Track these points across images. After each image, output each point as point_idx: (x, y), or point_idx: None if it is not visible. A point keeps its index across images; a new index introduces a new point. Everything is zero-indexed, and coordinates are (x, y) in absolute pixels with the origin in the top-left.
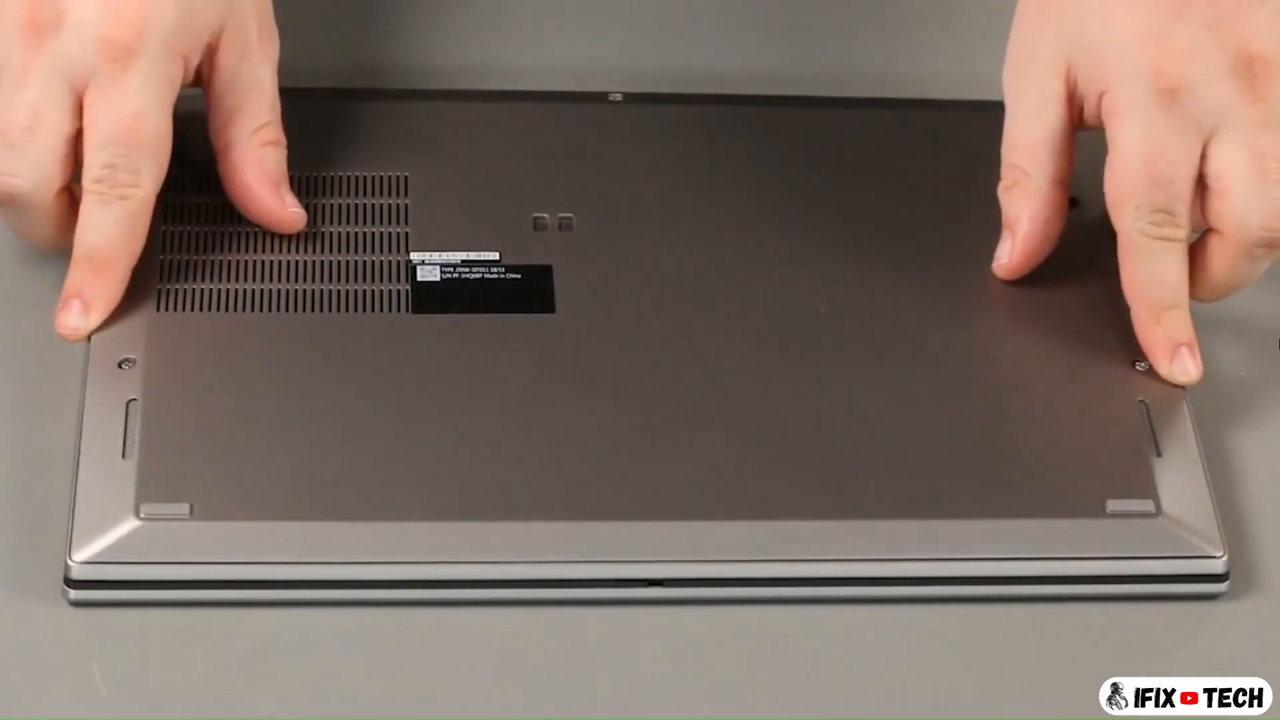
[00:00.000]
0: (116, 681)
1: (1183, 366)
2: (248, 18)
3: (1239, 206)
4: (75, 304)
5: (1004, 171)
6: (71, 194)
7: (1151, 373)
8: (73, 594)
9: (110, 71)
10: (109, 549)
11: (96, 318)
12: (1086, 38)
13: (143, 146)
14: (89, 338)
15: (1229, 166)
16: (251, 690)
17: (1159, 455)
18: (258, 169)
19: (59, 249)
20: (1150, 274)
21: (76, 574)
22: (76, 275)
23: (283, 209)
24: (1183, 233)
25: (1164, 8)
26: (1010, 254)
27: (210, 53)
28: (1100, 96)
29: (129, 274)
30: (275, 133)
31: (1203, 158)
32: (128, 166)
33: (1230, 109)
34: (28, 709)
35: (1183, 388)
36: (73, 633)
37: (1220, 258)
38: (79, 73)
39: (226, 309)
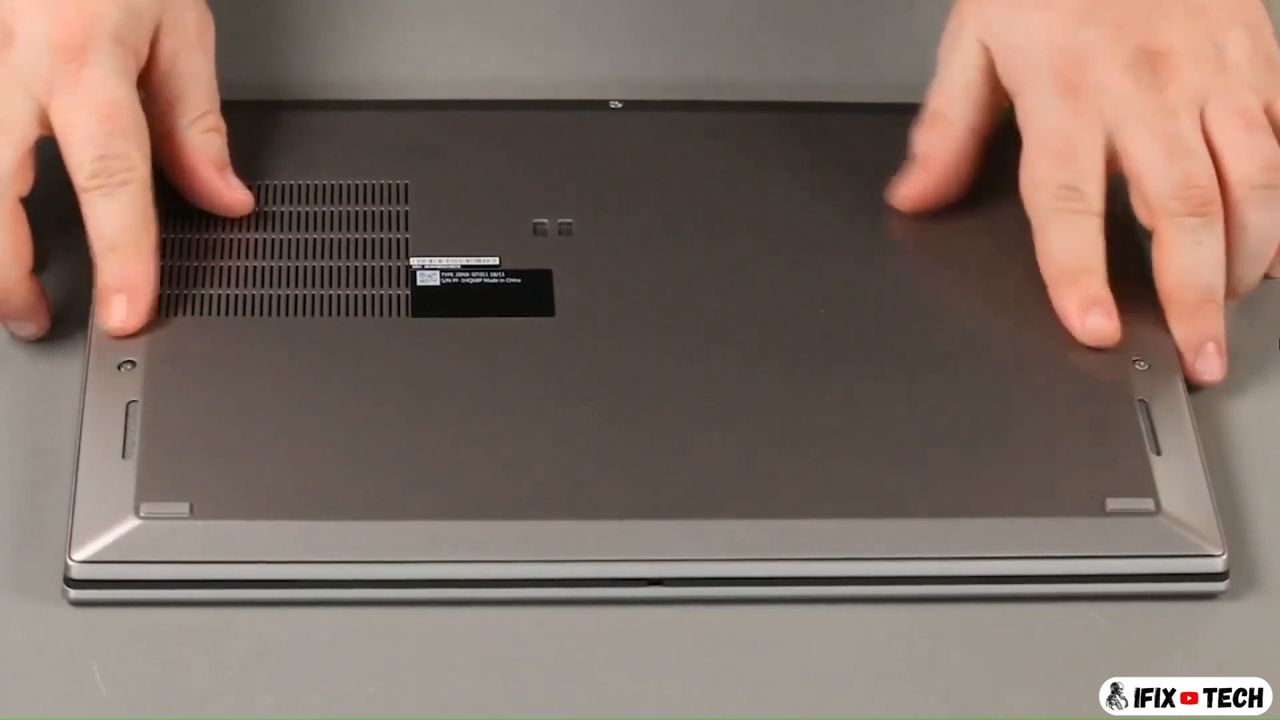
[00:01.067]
0: (116, 681)
1: (1098, 321)
2: (185, 7)
3: (1153, 184)
4: (116, 298)
5: (924, 115)
6: (25, 212)
7: (1152, 372)
8: (73, 593)
9: (70, 71)
10: (109, 548)
11: (144, 306)
12: (1007, 37)
13: (125, 130)
14: (90, 338)
15: (1138, 153)
16: (251, 690)
17: (1159, 454)
18: (200, 155)
19: (9, 286)
20: (1061, 241)
21: (76, 573)
22: (107, 269)
23: (229, 191)
24: (1092, 208)
25: (1076, 11)
26: (912, 184)
27: (150, 46)
28: (1012, 89)
29: (157, 255)
30: (215, 120)
31: (1118, 154)
32: (118, 152)
33: (1132, 101)
34: (28, 709)
35: (1104, 349)
36: (73, 632)
37: (1163, 245)
38: (37, 82)
39: (228, 313)
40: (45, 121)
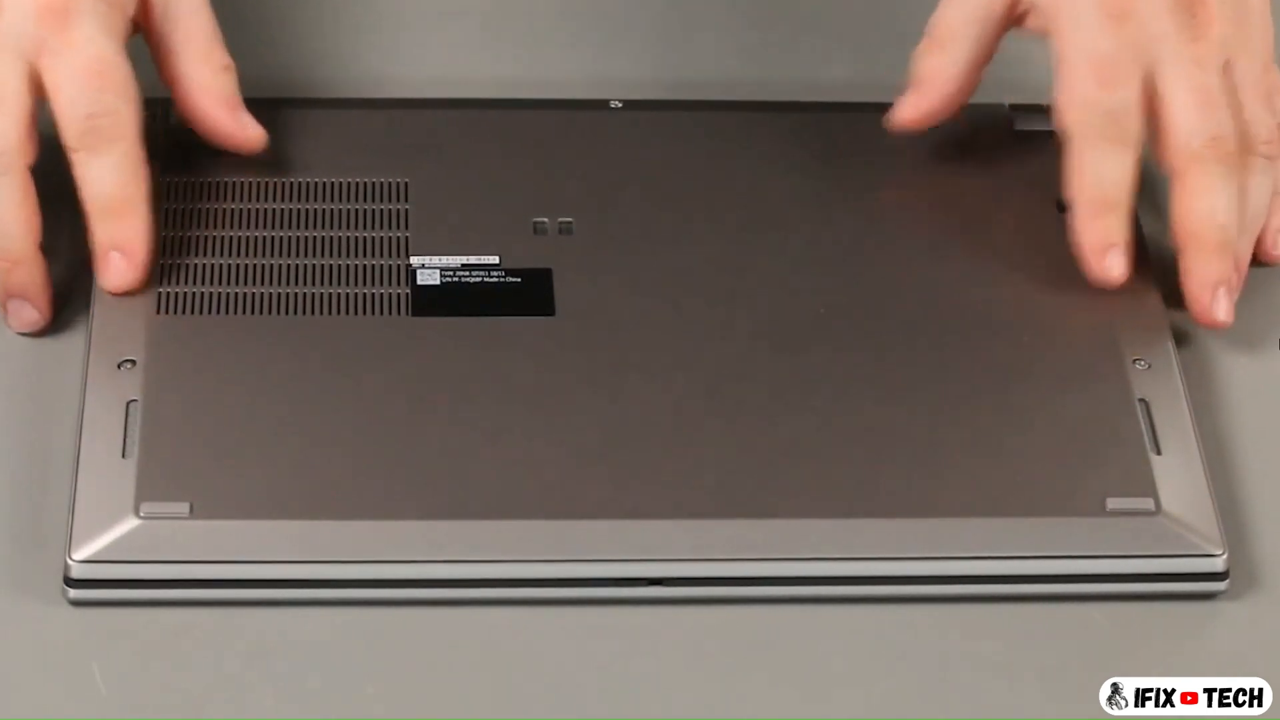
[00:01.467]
0: (116, 681)
1: (1113, 263)
2: None
3: (1183, 130)
4: (113, 256)
5: (923, 40)
6: (33, 183)
7: (1152, 372)
8: (72, 593)
9: (57, 32)
10: (109, 548)
11: (141, 263)
12: None
13: (114, 88)
14: (90, 337)
15: (1171, 99)
16: (251, 690)
17: (1159, 453)
18: (212, 95)
19: (17, 257)
20: (1095, 171)
21: (76, 573)
22: (101, 228)
23: (242, 130)
24: (1131, 138)
25: None
26: (907, 106)
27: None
28: (1047, 11)
29: (151, 214)
30: (223, 57)
31: (1152, 95)
32: (106, 110)
33: (1169, 45)
34: (28, 709)
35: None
36: (73, 632)
37: (1186, 187)
38: (27, 46)
39: (228, 312)
40: (40, 86)
